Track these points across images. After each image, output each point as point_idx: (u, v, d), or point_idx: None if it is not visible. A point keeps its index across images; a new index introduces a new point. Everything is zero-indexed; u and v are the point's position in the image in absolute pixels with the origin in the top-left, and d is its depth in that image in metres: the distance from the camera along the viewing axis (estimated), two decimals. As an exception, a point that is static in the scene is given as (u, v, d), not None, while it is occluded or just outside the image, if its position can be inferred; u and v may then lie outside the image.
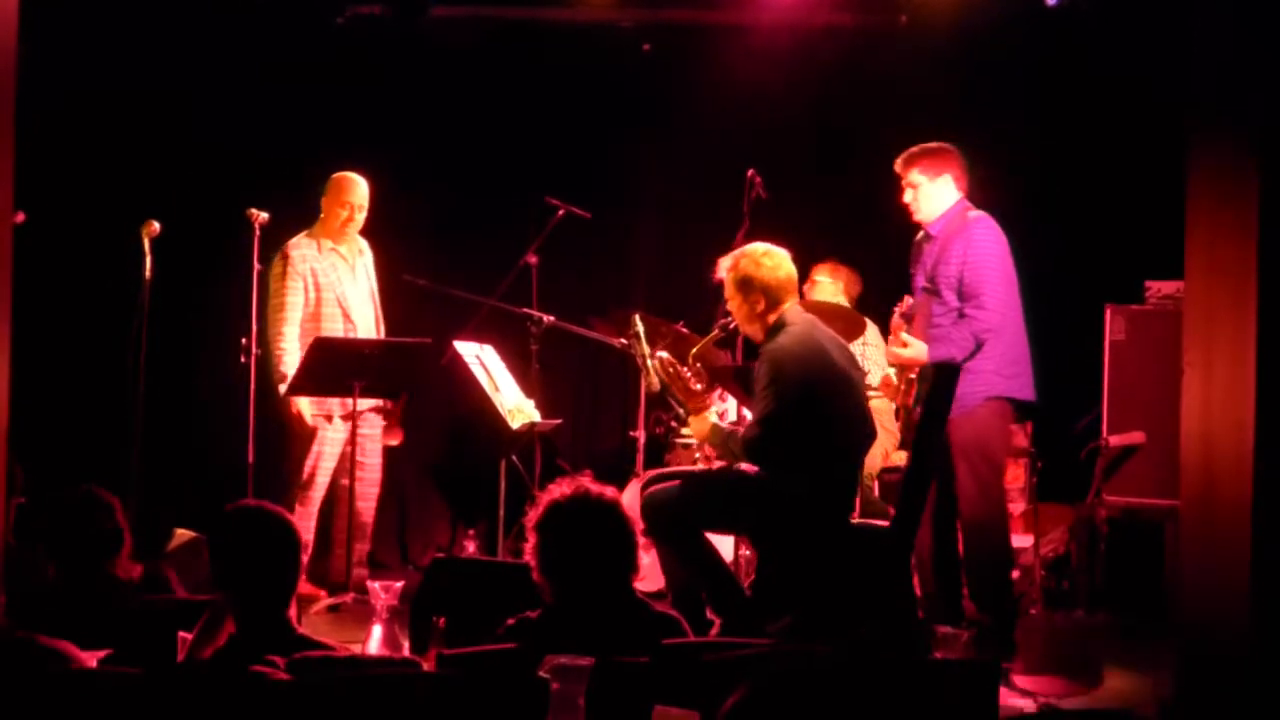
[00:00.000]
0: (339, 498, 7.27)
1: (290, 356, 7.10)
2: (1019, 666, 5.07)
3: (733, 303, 5.82)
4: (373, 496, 7.40)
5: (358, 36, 8.50)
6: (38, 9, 4.44)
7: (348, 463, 7.07)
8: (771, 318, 5.72)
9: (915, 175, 6.37)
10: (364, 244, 7.46)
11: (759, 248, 5.80)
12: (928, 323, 6.33)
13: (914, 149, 6.41)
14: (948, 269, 6.25)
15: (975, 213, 6.36)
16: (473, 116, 8.67)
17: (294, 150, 8.23)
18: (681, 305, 7.93)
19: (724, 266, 5.86)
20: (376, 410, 7.32)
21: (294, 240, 7.27)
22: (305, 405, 7.15)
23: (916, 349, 6.22)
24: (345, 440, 7.15)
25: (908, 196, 6.38)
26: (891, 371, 6.39)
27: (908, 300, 6.33)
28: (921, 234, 6.45)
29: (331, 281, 7.25)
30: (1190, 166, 3.88)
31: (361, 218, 7.33)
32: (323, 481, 7.25)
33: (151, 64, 8.04)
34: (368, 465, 7.30)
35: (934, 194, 6.36)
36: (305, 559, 7.15)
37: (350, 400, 6.92)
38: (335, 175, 7.35)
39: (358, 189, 7.31)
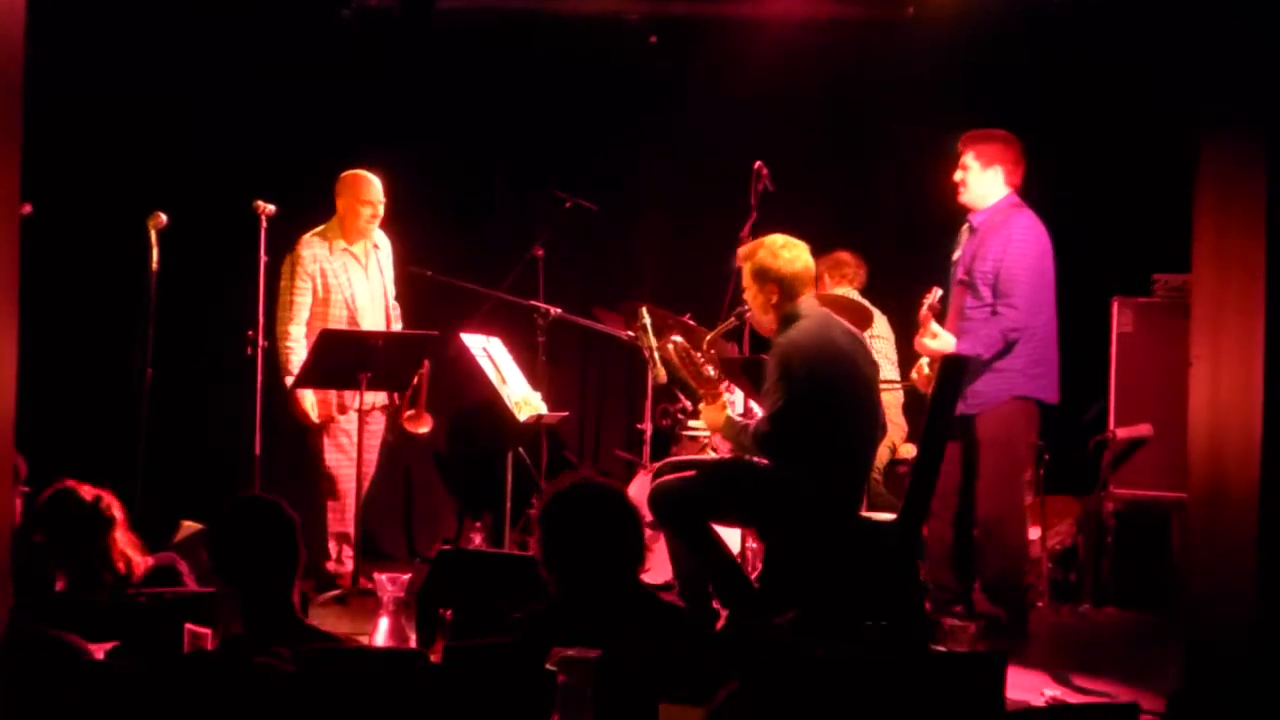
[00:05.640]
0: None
1: (295, 354, 7.10)
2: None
3: (748, 292, 5.81)
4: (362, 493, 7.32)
5: (364, 29, 8.49)
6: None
7: (360, 456, 7.11)
8: (785, 310, 5.71)
9: (969, 158, 6.33)
10: (380, 237, 7.39)
11: (778, 239, 5.78)
12: (960, 315, 6.29)
13: (977, 130, 6.36)
14: (985, 265, 6.23)
15: (1023, 210, 6.30)
16: (479, 109, 8.67)
17: (301, 143, 8.23)
18: (689, 298, 7.92)
19: (742, 255, 5.85)
20: (381, 409, 7.33)
21: (305, 239, 7.24)
22: (310, 401, 7.15)
23: (944, 341, 6.17)
24: (356, 432, 7.16)
25: (958, 175, 6.35)
26: (924, 361, 6.34)
27: (936, 292, 6.24)
28: (966, 225, 6.42)
29: (340, 283, 7.20)
30: (1198, 159, 3.87)
31: (380, 214, 7.25)
32: (347, 473, 7.15)
33: (159, 57, 8.03)
34: (366, 461, 7.24)
35: (982, 182, 6.31)
36: (349, 553, 7.18)
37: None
38: (349, 173, 7.26)
39: (374, 187, 7.22)
